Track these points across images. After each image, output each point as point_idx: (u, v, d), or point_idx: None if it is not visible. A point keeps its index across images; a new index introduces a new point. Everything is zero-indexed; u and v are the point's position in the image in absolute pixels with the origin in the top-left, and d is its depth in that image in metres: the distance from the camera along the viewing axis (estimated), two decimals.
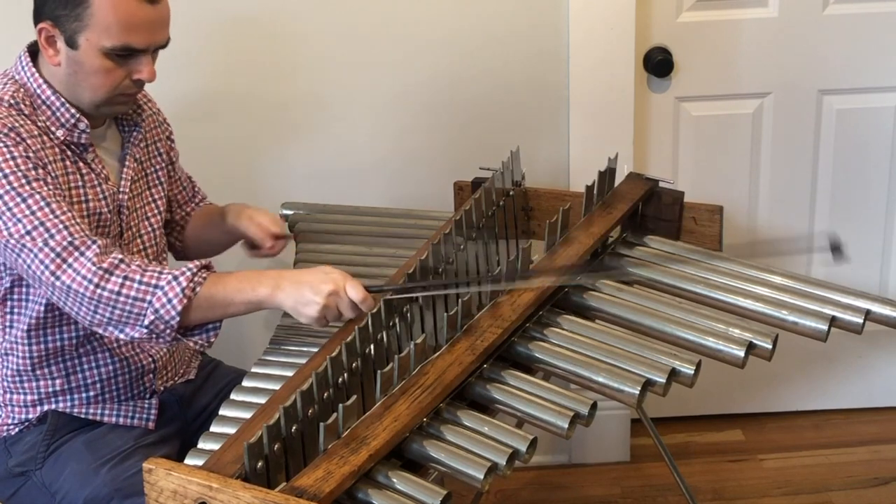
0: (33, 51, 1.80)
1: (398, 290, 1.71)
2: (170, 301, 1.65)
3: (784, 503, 2.56)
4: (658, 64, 2.48)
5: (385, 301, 1.69)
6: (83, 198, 1.77)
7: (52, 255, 1.64)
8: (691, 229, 2.04)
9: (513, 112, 2.47)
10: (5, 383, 1.84)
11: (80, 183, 1.77)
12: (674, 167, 2.60)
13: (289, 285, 1.68)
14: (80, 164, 1.78)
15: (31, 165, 1.68)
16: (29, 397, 1.84)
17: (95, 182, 1.80)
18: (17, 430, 1.85)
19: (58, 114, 1.76)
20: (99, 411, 1.86)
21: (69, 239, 1.65)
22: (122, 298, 1.65)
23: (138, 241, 1.89)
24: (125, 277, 1.65)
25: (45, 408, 1.84)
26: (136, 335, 1.68)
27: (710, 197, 2.17)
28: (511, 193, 2.07)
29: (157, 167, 1.96)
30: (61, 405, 1.85)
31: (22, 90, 1.76)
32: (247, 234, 1.99)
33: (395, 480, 1.44)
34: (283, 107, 2.42)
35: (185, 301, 1.65)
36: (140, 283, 1.65)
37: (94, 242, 1.66)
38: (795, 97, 2.56)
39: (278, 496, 1.34)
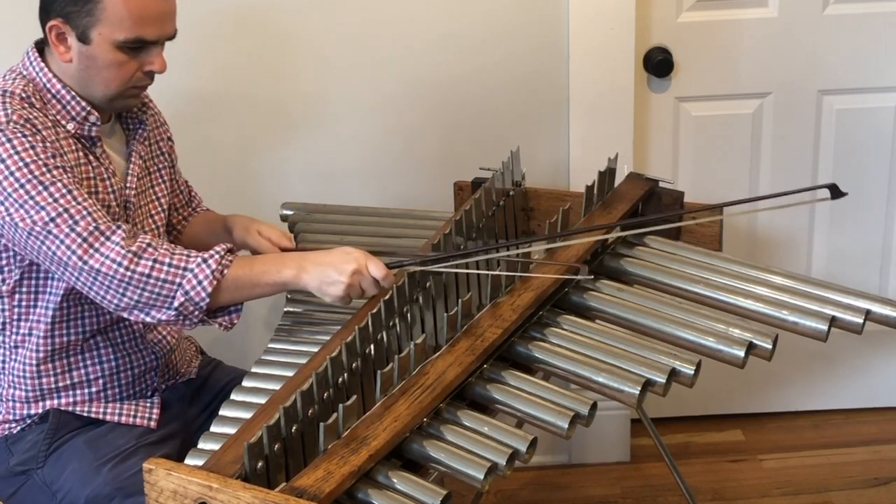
0: (41, 47, 1.81)
1: (419, 264, 1.75)
2: (200, 283, 1.67)
3: (784, 503, 2.56)
4: (658, 64, 2.48)
5: (385, 301, 1.69)
6: (94, 189, 1.78)
7: (79, 240, 1.66)
8: (691, 229, 2.04)
9: (513, 112, 2.47)
10: (10, 377, 1.85)
11: (91, 174, 1.78)
12: (674, 167, 2.60)
13: (313, 267, 1.71)
14: (91, 156, 1.80)
15: (49, 154, 1.69)
16: (31, 393, 1.84)
17: (105, 175, 1.81)
18: (18, 428, 1.85)
19: (68, 107, 1.77)
20: (101, 410, 1.86)
21: (94, 224, 1.66)
22: (152, 281, 1.66)
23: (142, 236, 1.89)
24: (155, 260, 1.67)
25: (47, 403, 1.84)
26: (164, 317, 1.69)
27: (710, 197, 2.17)
28: (511, 193, 2.07)
29: (161, 166, 1.97)
30: (63, 401, 1.85)
31: (31, 85, 1.77)
32: (258, 250, 1.96)
33: (395, 480, 1.44)
34: (282, 107, 2.42)
35: (215, 283, 1.68)
36: (170, 265, 1.67)
37: (119, 227, 1.68)
38: (795, 97, 2.56)
39: (278, 496, 1.34)
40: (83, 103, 1.77)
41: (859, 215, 2.67)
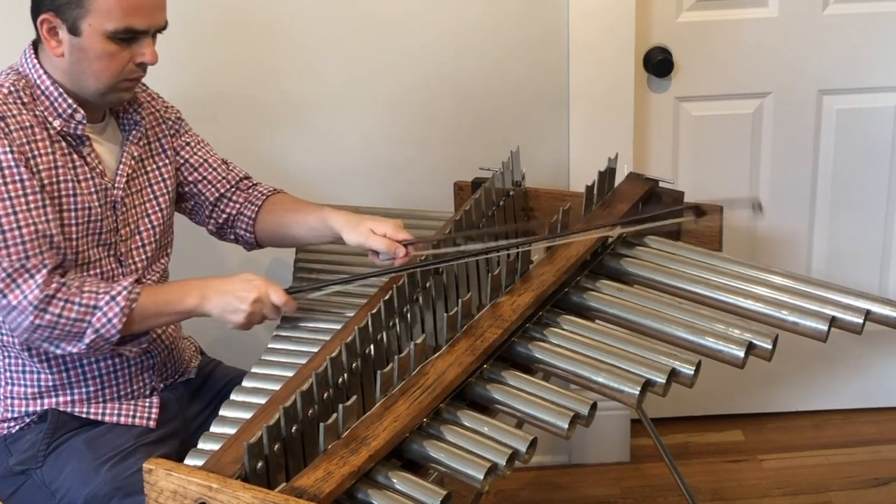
0: (37, 46, 1.81)
1: (318, 289, 1.82)
2: (110, 321, 1.72)
3: (784, 503, 2.56)
4: (658, 64, 2.47)
5: (385, 301, 1.69)
6: (71, 191, 1.77)
7: (3, 274, 1.69)
8: (691, 229, 2.04)
9: (513, 112, 2.46)
10: (7, 374, 1.85)
11: (69, 176, 1.77)
12: (674, 167, 2.60)
13: (215, 295, 1.77)
14: (75, 156, 1.79)
15: (11, 163, 1.70)
16: (29, 390, 1.84)
17: (89, 175, 1.80)
18: (17, 428, 1.85)
19: (55, 104, 1.77)
20: (100, 410, 1.86)
21: (22, 260, 1.69)
22: (62, 321, 1.71)
23: (136, 237, 1.89)
24: (66, 300, 1.71)
25: (45, 401, 1.84)
26: (73, 350, 1.75)
27: (710, 197, 2.17)
28: (511, 193, 2.07)
29: (160, 165, 1.95)
30: (61, 400, 1.85)
31: (23, 80, 1.78)
32: (377, 250, 1.86)
33: (394, 481, 1.44)
34: (282, 107, 2.42)
35: (124, 319, 1.72)
36: (80, 304, 1.71)
37: (44, 266, 1.70)
38: (795, 97, 2.56)
39: (278, 496, 1.34)
40: (69, 101, 1.77)
41: (859, 215, 2.67)
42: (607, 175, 2.03)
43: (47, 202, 1.73)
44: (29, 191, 1.71)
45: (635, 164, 2.51)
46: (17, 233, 1.69)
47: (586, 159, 2.43)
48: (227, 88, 2.40)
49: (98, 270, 1.83)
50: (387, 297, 1.71)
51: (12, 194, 1.69)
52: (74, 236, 1.78)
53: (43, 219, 1.72)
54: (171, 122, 2.00)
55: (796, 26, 2.50)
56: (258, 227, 2.03)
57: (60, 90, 1.77)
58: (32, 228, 1.70)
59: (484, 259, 1.91)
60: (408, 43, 2.39)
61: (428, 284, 1.79)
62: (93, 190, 1.81)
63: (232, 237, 2.07)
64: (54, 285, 1.70)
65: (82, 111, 1.78)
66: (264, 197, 2.05)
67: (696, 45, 2.50)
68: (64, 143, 1.78)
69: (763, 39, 2.51)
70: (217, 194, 2.03)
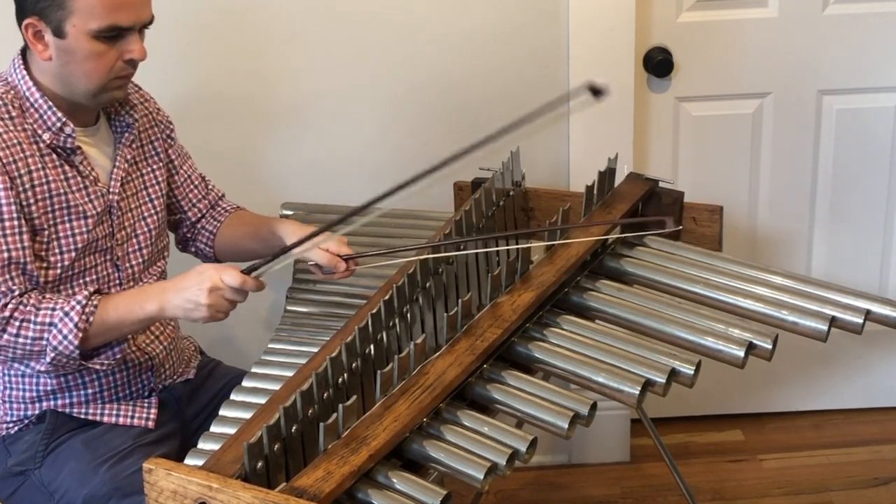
0: (26, 52, 1.79)
1: (268, 263, 1.75)
2: (66, 337, 1.69)
3: (784, 503, 2.56)
4: (658, 64, 2.47)
5: (385, 301, 1.69)
6: (65, 203, 1.76)
7: None
8: (691, 229, 2.04)
9: (513, 112, 2.44)
10: (6, 378, 1.84)
11: (63, 189, 1.76)
12: (674, 167, 2.60)
13: (173, 296, 1.72)
14: (66, 167, 1.78)
15: None
16: (28, 394, 1.84)
17: (82, 185, 1.79)
18: (16, 428, 1.85)
19: (44, 117, 1.76)
20: (98, 411, 1.86)
21: None
22: (20, 341, 1.70)
23: (133, 241, 1.89)
24: (23, 320, 1.69)
25: (44, 405, 1.84)
26: (42, 368, 1.73)
27: (710, 197, 2.17)
28: (511, 193, 2.07)
29: (154, 167, 1.95)
30: (59, 403, 1.85)
31: (12, 92, 1.76)
32: (318, 263, 1.87)
33: (395, 480, 1.44)
34: (283, 107, 2.42)
35: (80, 335, 1.69)
36: (35, 323, 1.70)
37: (10, 292, 1.69)
38: (795, 97, 2.56)
39: (278, 496, 1.34)
40: (59, 114, 1.75)
41: (859, 215, 2.67)
42: (607, 175, 2.03)
43: (24, 228, 1.71)
44: (6, 217, 1.69)
45: (635, 164, 2.51)
46: None
47: (586, 159, 2.43)
48: (228, 89, 2.40)
49: (94, 276, 1.83)
50: (387, 297, 1.71)
51: None
52: (73, 247, 1.78)
53: (17, 246, 1.70)
54: (163, 126, 1.99)
55: (796, 26, 2.50)
56: (217, 241, 2.06)
57: (49, 103, 1.75)
58: (5, 255, 1.69)
59: (484, 259, 1.91)
60: (408, 44, 2.39)
61: (428, 284, 1.79)
62: (88, 198, 1.79)
63: (192, 250, 2.09)
64: (11, 305, 1.69)
65: (71, 124, 1.76)
66: (227, 214, 2.08)
67: (696, 45, 2.50)
68: (55, 155, 1.77)
69: (763, 39, 2.51)
70: (199, 215, 2.06)
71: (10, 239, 1.70)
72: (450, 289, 1.82)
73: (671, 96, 2.54)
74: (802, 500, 2.56)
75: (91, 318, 1.70)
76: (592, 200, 2.00)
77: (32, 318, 1.69)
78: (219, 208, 2.09)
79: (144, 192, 1.92)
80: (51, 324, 1.69)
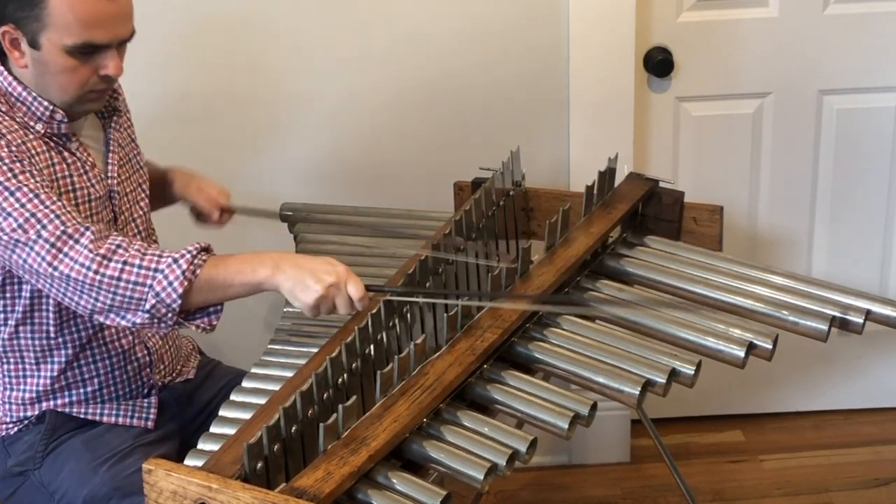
0: (2, 52, 1.76)
1: (398, 293, 1.70)
2: (171, 284, 1.62)
3: (784, 503, 2.56)
4: (658, 64, 2.47)
5: (385, 301, 1.69)
6: (71, 187, 1.76)
7: (48, 245, 1.62)
8: (691, 229, 2.04)
9: (513, 112, 2.46)
10: (6, 380, 1.84)
11: (66, 173, 1.76)
12: (674, 167, 2.60)
13: (290, 268, 1.65)
14: (65, 153, 1.77)
15: (14, 158, 1.66)
16: (27, 395, 1.84)
17: (83, 170, 1.78)
18: (15, 429, 1.85)
19: (32, 108, 1.74)
20: (98, 411, 1.86)
21: (62, 228, 1.62)
22: (122, 283, 1.62)
23: (132, 224, 1.88)
24: (125, 262, 1.62)
25: (43, 405, 1.84)
26: (139, 321, 1.65)
27: (710, 197, 2.17)
28: (511, 193, 2.07)
29: (137, 151, 1.94)
30: (59, 402, 1.84)
31: None
32: (195, 205, 2.01)
33: (394, 481, 1.44)
34: (282, 107, 2.42)
35: (185, 283, 1.62)
36: (140, 266, 1.63)
37: (87, 229, 1.63)
38: (795, 97, 2.56)
39: (278, 497, 1.34)
40: (45, 103, 1.73)
41: (860, 215, 2.67)
42: (607, 175, 2.03)
43: (59, 194, 1.71)
44: (40, 180, 1.67)
45: (635, 164, 2.51)
46: (47, 210, 1.63)
47: (586, 159, 2.43)
48: (226, 88, 2.40)
49: None
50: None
51: (29, 183, 1.64)
52: None
53: (62, 201, 1.67)
54: (128, 115, 1.96)
55: (796, 26, 2.50)
56: None
57: (34, 94, 1.73)
58: (60, 204, 1.65)
59: (484, 259, 1.92)
60: (408, 44, 2.39)
61: (428, 284, 1.79)
62: (89, 183, 1.79)
63: None
64: (108, 245, 1.63)
65: (61, 111, 1.75)
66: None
67: (696, 45, 2.50)
68: (52, 143, 1.76)
69: (763, 39, 2.51)
70: None
71: (54, 194, 1.66)
72: (450, 289, 1.82)
73: (671, 96, 2.54)
74: (802, 501, 2.56)
75: (198, 271, 1.64)
76: (592, 200, 2.00)
77: (137, 261, 1.62)
78: None
79: (136, 176, 1.91)
80: (156, 269, 1.62)
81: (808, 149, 2.60)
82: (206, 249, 1.68)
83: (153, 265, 1.63)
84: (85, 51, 1.67)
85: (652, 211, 2.05)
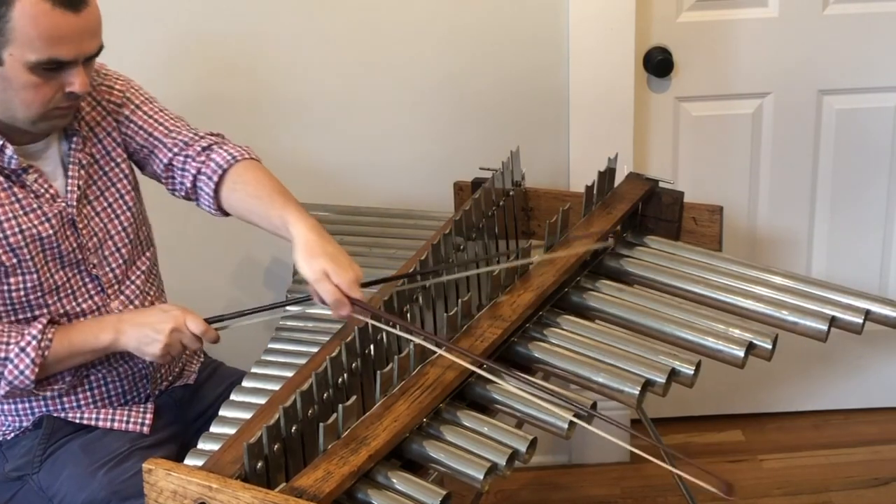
0: None
1: (237, 318, 1.77)
2: (22, 373, 1.71)
3: (784, 503, 2.56)
4: (658, 64, 2.47)
5: (385, 301, 1.69)
6: (16, 229, 1.71)
7: None
8: (691, 229, 2.04)
9: (513, 112, 2.46)
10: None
11: (11, 214, 1.71)
12: (674, 167, 2.60)
13: (129, 328, 1.73)
14: (16, 188, 1.73)
15: None
16: (21, 406, 1.83)
17: (35, 205, 1.74)
18: (13, 434, 1.84)
19: None
20: (94, 416, 1.85)
21: None
22: None
23: (109, 243, 1.84)
24: None
25: (37, 412, 1.84)
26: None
27: (710, 197, 2.17)
28: (511, 193, 2.07)
29: (118, 159, 1.87)
30: (57, 408, 1.83)
31: None
32: (324, 299, 1.68)
33: (394, 481, 1.44)
34: (282, 107, 2.42)
35: (36, 370, 1.71)
36: None
37: None
38: (795, 97, 2.56)
39: (278, 496, 1.34)
40: None
41: (859, 215, 2.67)
42: (607, 175, 2.03)
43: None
44: None
45: (635, 164, 2.51)
46: None
47: (586, 159, 2.43)
48: (227, 89, 2.40)
49: (69, 291, 1.79)
50: (387, 297, 1.71)
51: None
52: (33, 269, 1.74)
53: None
54: (115, 111, 1.87)
55: (796, 26, 2.50)
56: (223, 204, 1.89)
57: None
58: None
59: (483, 260, 1.92)
60: (408, 44, 2.39)
61: (428, 284, 1.79)
62: (44, 218, 1.74)
63: (204, 207, 1.94)
64: None
65: (11, 146, 1.70)
66: (221, 171, 1.88)
67: (696, 45, 2.50)
68: (2, 178, 1.71)
69: (763, 39, 2.51)
70: (169, 155, 1.90)
71: None
72: (450, 289, 1.82)
73: (671, 96, 2.54)
74: (802, 501, 2.56)
75: (47, 353, 1.71)
76: (592, 200, 2.00)
77: None
78: (209, 162, 1.89)
79: (113, 190, 1.85)
80: (6, 358, 1.70)
81: (807, 149, 2.60)
82: (53, 321, 1.75)
83: (2, 354, 1.71)
84: (49, 67, 1.62)
85: (652, 211, 2.05)
